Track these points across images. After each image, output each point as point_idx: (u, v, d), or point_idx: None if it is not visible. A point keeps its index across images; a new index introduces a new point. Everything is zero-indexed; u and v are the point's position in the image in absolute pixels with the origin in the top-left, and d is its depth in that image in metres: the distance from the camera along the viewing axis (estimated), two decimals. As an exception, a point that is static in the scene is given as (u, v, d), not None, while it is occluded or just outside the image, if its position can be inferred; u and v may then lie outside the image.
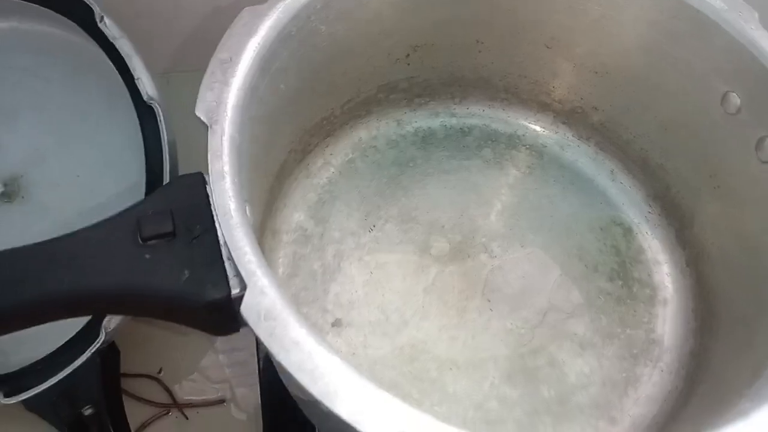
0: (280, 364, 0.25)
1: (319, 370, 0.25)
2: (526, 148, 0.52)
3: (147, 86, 0.43)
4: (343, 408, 0.24)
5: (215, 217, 0.28)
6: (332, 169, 0.49)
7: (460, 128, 0.52)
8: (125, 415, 0.49)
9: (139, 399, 0.51)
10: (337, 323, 0.43)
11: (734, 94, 0.39)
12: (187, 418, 0.49)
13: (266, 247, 0.44)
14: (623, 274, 0.47)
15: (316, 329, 0.33)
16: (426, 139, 0.51)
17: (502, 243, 0.47)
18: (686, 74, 0.41)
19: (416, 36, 0.45)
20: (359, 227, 0.47)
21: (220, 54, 0.32)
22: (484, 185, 0.50)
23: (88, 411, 0.45)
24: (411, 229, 0.47)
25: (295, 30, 0.35)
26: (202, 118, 0.30)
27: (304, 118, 0.43)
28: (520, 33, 0.46)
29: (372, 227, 0.47)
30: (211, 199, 0.29)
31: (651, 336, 0.44)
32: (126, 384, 0.50)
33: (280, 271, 0.44)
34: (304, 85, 0.40)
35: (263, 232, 0.44)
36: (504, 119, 0.52)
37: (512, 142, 0.52)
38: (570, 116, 0.50)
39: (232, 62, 0.32)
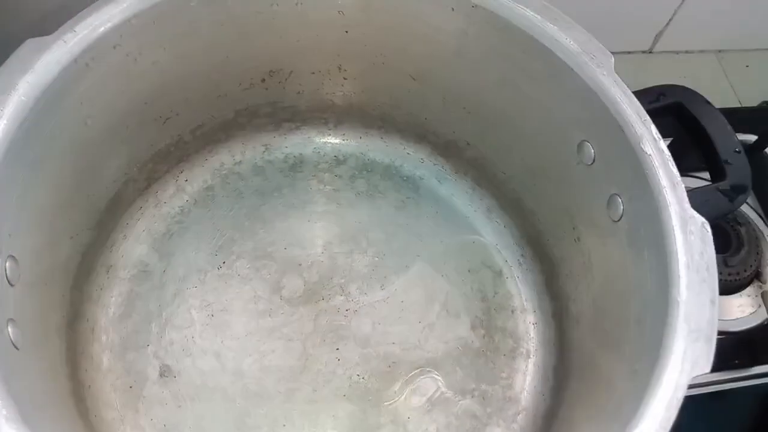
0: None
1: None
2: (403, 180, 0.48)
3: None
4: None
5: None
6: (186, 198, 0.46)
7: (335, 156, 0.49)
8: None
9: None
10: (166, 372, 0.40)
11: (589, 144, 0.36)
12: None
13: (97, 285, 0.41)
14: (486, 322, 0.44)
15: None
16: (295, 167, 0.48)
17: (362, 285, 0.44)
18: (545, 117, 0.38)
19: (270, 61, 0.42)
20: (207, 263, 0.44)
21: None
22: (351, 220, 0.46)
23: None
24: (264, 266, 0.44)
25: (92, 61, 0.32)
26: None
27: (137, 148, 0.40)
28: (386, 63, 0.42)
29: (221, 264, 0.44)
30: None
31: (508, 393, 0.42)
32: None
33: (111, 311, 0.41)
34: (126, 116, 0.37)
35: (93, 268, 0.41)
36: (381, 148, 0.49)
37: (388, 172, 0.48)
38: (446, 149, 0.47)
39: (-2, 102, 0.28)
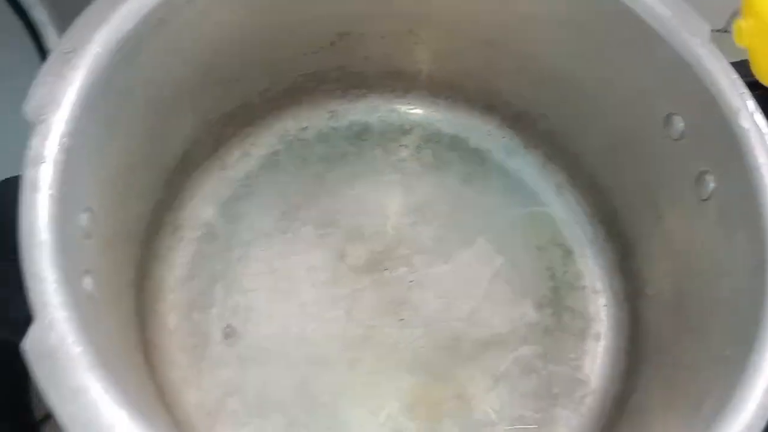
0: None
1: (97, 425, 0.22)
2: (470, 152, 0.47)
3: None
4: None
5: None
6: (252, 162, 0.45)
7: (400, 125, 0.48)
8: (30, 398, 0.47)
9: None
10: (231, 334, 0.40)
11: (678, 117, 0.34)
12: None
13: (164, 245, 0.41)
14: (555, 301, 0.42)
15: (129, 369, 0.29)
16: (361, 135, 0.47)
17: (426, 257, 0.43)
18: (629, 88, 0.36)
19: (339, 24, 0.41)
20: (273, 229, 0.43)
21: (63, 45, 0.28)
22: (417, 191, 0.45)
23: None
24: (329, 234, 0.43)
25: (166, 16, 0.31)
26: (29, 116, 0.27)
27: (206, 109, 0.40)
28: (460, 28, 0.41)
29: (287, 229, 0.43)
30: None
31: (576, 374, 0.40)
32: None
33: (177, 271, 0.41)
34: (197, 75, 0.36)
35: (160, 228, 0.41)
36: (449, 119, 0.48)
37: (455, 144, 0.47)
38: (517, 121, 0.46)
39: (75, 54, 0.28)
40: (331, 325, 0.41)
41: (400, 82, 0.46)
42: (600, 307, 0.42)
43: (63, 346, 0.23)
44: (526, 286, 0.43)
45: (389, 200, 0.45)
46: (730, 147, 0.30)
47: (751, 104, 0.30)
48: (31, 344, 0.23)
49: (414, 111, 0.48)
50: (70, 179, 0.27)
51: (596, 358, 0.41)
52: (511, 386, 0.40)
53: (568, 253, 0.44)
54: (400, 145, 0.47)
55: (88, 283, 0.28)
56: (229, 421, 0.38)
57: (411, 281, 0.42)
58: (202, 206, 0.43)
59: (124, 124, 0.32)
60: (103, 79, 0.29)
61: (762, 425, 0.23)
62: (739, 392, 0.24)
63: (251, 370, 0.39)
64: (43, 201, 0.25)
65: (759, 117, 0.30)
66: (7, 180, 0.29)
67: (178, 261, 0.42)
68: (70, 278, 0.25)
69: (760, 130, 0.29)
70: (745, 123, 0.29)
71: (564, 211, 0.45)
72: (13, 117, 0.28)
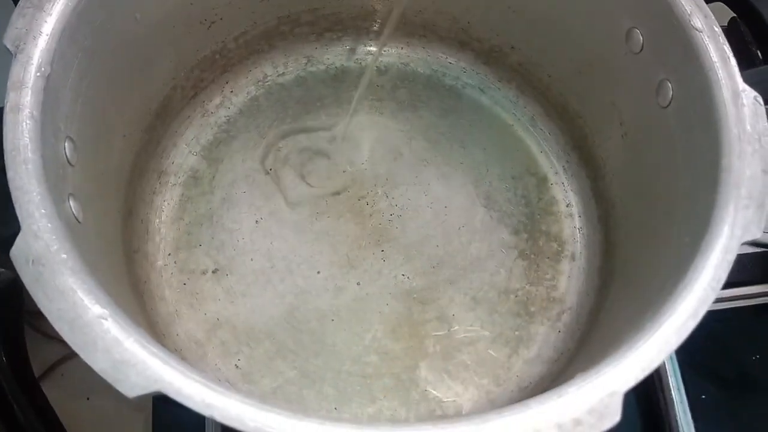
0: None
1: (81, 320, 0.23)
2: (445, 90, 0.48)
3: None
4: (97, 363, 0.22)
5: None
6: (232, 107, 0.46)
7: (376, 66, 0.49)
8: (27, 355, 0.48)
9: (50, 337, 0.50)
10: (218, 270, 0.41)
11: (638, 30, 0.35)
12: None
13: (149, 188, 0.42)
14: (530, 226, 0.44)
15: (110, 277, 0.31)
16: (337, 78, 0.48)
17: (405, 190, 0.44)
18: (592, 10, 0.37)
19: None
20: (254, 170, 0.44)
21: (37, -25, 0.29)
22: (394, 128, 0.47)
23: (-15, 350, 0.44)
24: (310, 173, 0.45)
25: (138, -49, 0.32)
26: (8, 46, 0.28)
27: (184, 52, 0.41)
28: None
29: (268, 170, 0.44)
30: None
31: (552, 294, 0.42)
32: (37, 322, 0.49)
33: (164, 213, 0.42)
34: (173, 16, 0.37)
35: (145, 172, 0.42)
36: (423, 58, 0.49)
37: (430, 82, 0.48)
38: (489, 56, 0.47)
39: (50, -16, 0.29)
40: (316, 257, 0.42)
41: (373, 23, 0.47)
42: (575, 230, 0.44)
43: (48, 254, 0.24)
44: (503, 213, 0.44)
45: (368, 139, 0.46)
46: (686, 50, 0.31)
47: (705, 7, 0.31)
48: (17, 251, 0.24)
49: (389, 52, 0.49)
50: (49, 105, 0.28)
51: (571, 278, 0.42)
52: (490, 307, 0.41)
53: (542, 180, 0.45)
54: (377, 86, 0.48)
55: (72, 206, 0.29)
56: (220, 350, 0.39)
57: (391, 213, 0.44)
58: (184, 151, 0.44)
59: (102, 58, 0.33)
60: (79, 11, 0.30)
61: (713, 296, 0.25)
62: (692, 270, 0.26)
63: (239, 302, 0.40)
64: (25, 122, 0.26)
65: (712, 19, 0.31)
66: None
67: (165, 205, 0.43)
68: (54, 196, 0.26)
69: (713, 30, 0.30)
70: (698, 23, 0.31)
71: (537, 141, 0.46)
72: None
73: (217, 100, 0.46)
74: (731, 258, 0.26)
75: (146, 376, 0.21)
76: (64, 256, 0.24)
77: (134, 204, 0.40)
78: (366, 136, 0.46)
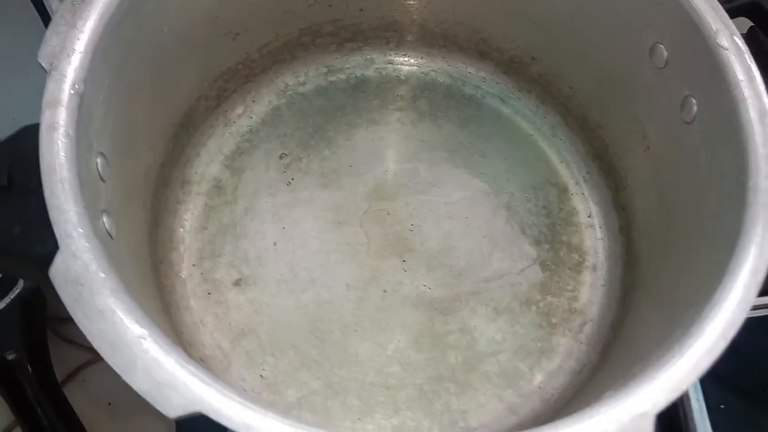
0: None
1: (121, 341, 0.23)
2: (465, 99, 0.48)
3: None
4: (138, 384, 0.23)
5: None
6: (254, 117, 0.47)
7: (396, 76, 0.49)
8: (50, 360, 0.48)
9: (72, 343, 0.50)
10: (241, 280, 0.42)
11: (662, 45, 0.35)
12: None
13: (173, 198, 0.43)
14: (551, 237, 0.44)
15: (144, 299, 0.31)
16: (358, 87, 0.48)
17: (426, 201, 0.45)
18: (614, 22, 0.37)
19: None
20: (277, 180, 0.45)
21: (72, -6, 0.30)
22: (414, 138, 0.47)
23: (11, 356, 0.45)
24: (331, 183, 0.45)
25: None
26: (42, 63, 0.28)
27: (208, 63, 0.41)
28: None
29: (291, 180, 0.45)
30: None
31: (573, 305, 0.42)
32: (60, 328, 0.50)
33: (187, 223, 0.43)
34: (200, 27, 0.38)
35: (169, 182, 0.42)
36: (443, 68, 0.49)
37: (450, 92, 0.49)
38: (510, 66, 0.47)
39: (84, 3, 0.29)
40: (338, 267, 0.42)
41: (394, 33, 0.48)
42: (596, 241, 0.44)
43: (87, 274, 0.25)
44: (524, 224, 0.44)
45: (388, 148, 0.47)
46: (712, 67, 0.31)
47: (731, 24, 0.31)
48: (57, 271, 0.24)
49: (409, 61, 0.49)
50: (83, 122, 0.28)
51: (593, 289, 0.43)
52: (511, 318, 0.41)
53: (563, 191, 0.45)
54: (397, 95, 0.48)
55: (106, 222, 0.29)
56: (245, 360, 0.40)
57: (412, 224, 0.44)
58: (207, 161, 0.45)
59: (131, 73, 0.33)
60: (111, 28, 0.30)
61: (742, 318, 0.25)
62: (720, 290, 0.26)
63: (263, 312, 0.41)
64: (61, 140, 0.27)
65: (738, 37, 0.31)
66: (26, 127, 0.30)
67: (188, 214, 0.43)
68: (90, 214, 0.27)
69: (739, 48, 0.31)
70: (724, 42, 0.31)
71: (558, 151, 0.46)
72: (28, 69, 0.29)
73: (239, 110, 0.46)
74: (760, 279, 0.26)
75: (187, 398, 0.22)
76: (103, 275, 0.25)
77: (159, 214, 0.41)
78: (386, 145, 0.47)
